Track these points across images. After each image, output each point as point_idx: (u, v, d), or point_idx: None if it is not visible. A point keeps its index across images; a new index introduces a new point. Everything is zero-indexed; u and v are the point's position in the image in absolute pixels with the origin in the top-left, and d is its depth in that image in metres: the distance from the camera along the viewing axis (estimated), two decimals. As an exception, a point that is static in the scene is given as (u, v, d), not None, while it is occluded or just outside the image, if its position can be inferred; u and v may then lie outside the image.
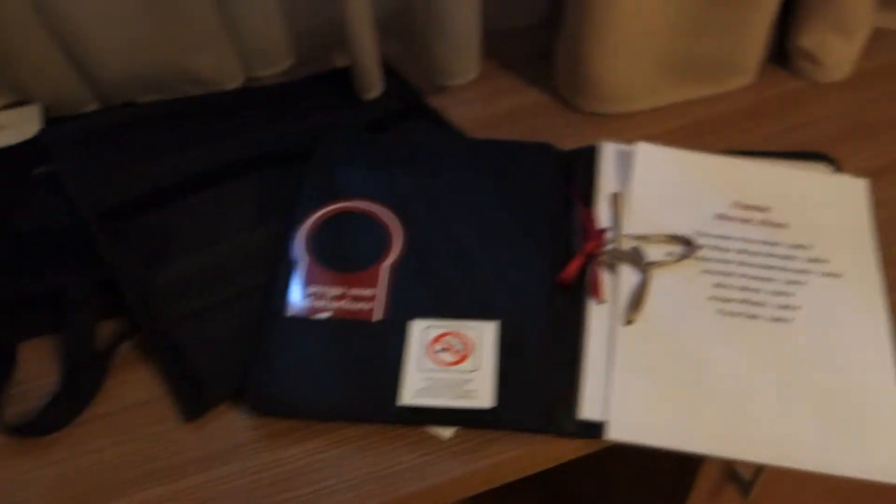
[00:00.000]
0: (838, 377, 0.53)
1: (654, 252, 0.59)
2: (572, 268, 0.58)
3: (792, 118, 0.71)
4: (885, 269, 0.58)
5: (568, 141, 0.68)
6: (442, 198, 0.63)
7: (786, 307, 0.56)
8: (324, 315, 0.56)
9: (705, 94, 0.73)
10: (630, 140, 0.68)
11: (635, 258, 0.58)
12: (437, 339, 0.54)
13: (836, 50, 0.72)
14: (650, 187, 0.63)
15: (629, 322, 0.55)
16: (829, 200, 0.62)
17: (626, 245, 0.59)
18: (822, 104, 0.72)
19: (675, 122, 0.71)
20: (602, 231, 0.60)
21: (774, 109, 0.72)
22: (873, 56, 0.77)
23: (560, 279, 0.58)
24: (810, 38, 0.72)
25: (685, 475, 0.70)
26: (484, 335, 0.55)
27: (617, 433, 0.50)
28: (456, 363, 0.53)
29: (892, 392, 0.52)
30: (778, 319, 0.55)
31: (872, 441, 0.50)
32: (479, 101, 0.74)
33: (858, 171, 0.65)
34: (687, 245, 0.59)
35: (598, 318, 0.56)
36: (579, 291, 0.58)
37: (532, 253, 0.59)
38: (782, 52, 0.76)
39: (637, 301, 0.56)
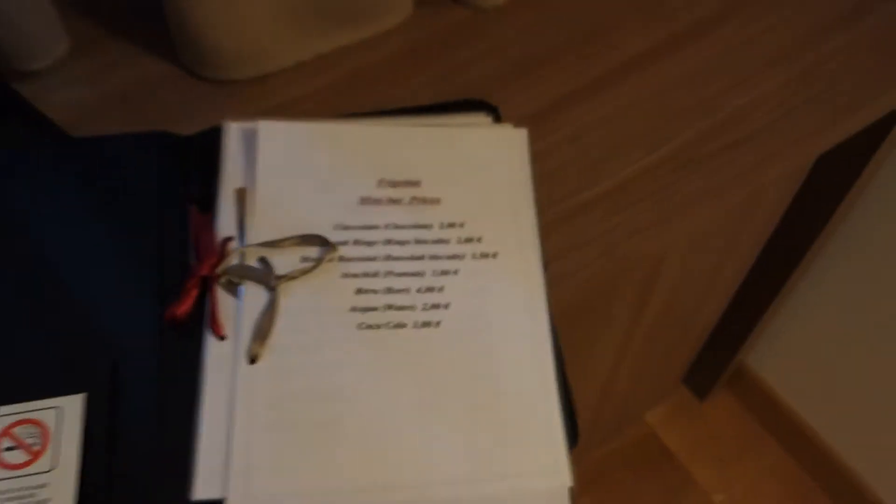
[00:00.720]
0: (491, 389, 0.46)
1: (287, 261, 0.49)
2: (184, 299, 0.47)
3: (453, 58, 0.62)
4: (544, 239, 0.51)
5: (198, 121, 0.56)
6: (21, 229, 0.49)
7: (435, 307, 0.48)
8: None
9: (356, 39, 0.62)
10: (271, 110, 0.57)
11: (261, 274, 0.48)
12: (3, 434, 0.42)
13: (491, -30, 0.63)
14: (280, 176, 0.52)
15: (253, 359, 0.46)
16: (484, 161, 0.54)
17: (253, 257, 0.49)
18: (484, 37, 0.63)
19: (323, 79, 0.60)
20: (225, 242, 0.49)
21: (435, 49, 0.62)
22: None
23: (170, 317, 0.46)
24: (464, -41, 0.63)
25: None
26: (66, 416, 0.43)
27: (238, 511, 0.41)
28: (28, 463, 0.42)
29: (549, 397, 0.46)
30: (426, 324, 0.47)
31: (530, 460, 0.44)
32: (81, 83, 0.59)
33: (521, 118, 0.57)
34: (323, 245, 0.50)
35: (218, 361, 0.46)
36: (200, 328, 0.47)
37: (137, 286, 0.48)
38: (443, -24, 0.66)
39: (262, 330, 0.46)
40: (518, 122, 0.56)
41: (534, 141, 0.55)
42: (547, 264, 0.50)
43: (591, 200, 0.54)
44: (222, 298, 0.47)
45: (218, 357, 0.46)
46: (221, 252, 0.49)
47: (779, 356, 1.18)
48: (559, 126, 0.58)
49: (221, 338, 0.46)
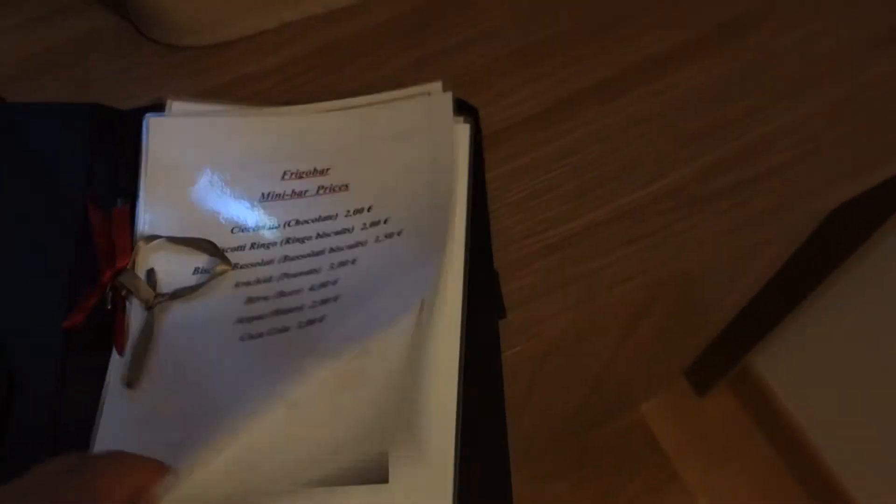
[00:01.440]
0: (379, 397, 0.37)
1: (180, 270, 0.43)
2: (80, 308, 0.41)
3: (440, 38, 0.53)
4: (512, 276, 0.44)
5: (139, 92, 0.50)
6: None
7: (324, 301, 0.41)
8: None
9: (329, 7, 0.54)
10: (224, 87, 0.50)
11: (143, 289, 0.42)
12: None
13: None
14: (175, 174, 0.45)
15: (130, 384, 0.40)
16: (400, 135, 0.47)
17: (143, 265, 0.43)
18: (478, 16, 0.54)
19: (288, 52, 0.52)
20: (135, 245, 0.43)
21: (419, 26, 0.54)
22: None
23: (69, 325, 0.40)
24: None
25: None
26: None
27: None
28: None
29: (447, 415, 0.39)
30: (310, 322, 0.41)
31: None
32: (11, 35, 0.52)
33: (511, 124, 0.49)
34: (217, 255, 0.43)
35: (116, 379, 0.40)
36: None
37: (48, 288, 0.42)
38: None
39: (138, 354, 0.40)
40: (508, 129, 0.48)
41: (522, 152, 0.48)
42: (506, 311, 0.43)
43: (574, 235, 0.46)
44: (126, 310, 0.42)
45: (116, 377, 0.40)
46: (131, 256, 0.43)
47: (787, 362, 1.10)
48: (553, 136, 0.49)
49: (123, 354, 0.41)
